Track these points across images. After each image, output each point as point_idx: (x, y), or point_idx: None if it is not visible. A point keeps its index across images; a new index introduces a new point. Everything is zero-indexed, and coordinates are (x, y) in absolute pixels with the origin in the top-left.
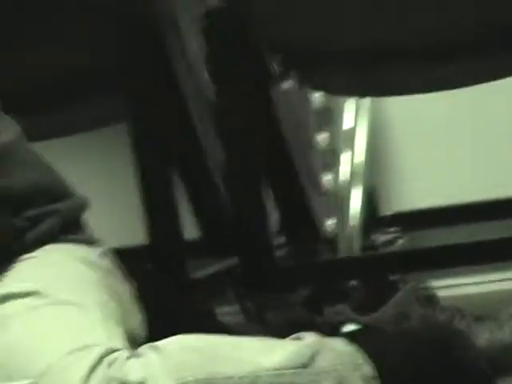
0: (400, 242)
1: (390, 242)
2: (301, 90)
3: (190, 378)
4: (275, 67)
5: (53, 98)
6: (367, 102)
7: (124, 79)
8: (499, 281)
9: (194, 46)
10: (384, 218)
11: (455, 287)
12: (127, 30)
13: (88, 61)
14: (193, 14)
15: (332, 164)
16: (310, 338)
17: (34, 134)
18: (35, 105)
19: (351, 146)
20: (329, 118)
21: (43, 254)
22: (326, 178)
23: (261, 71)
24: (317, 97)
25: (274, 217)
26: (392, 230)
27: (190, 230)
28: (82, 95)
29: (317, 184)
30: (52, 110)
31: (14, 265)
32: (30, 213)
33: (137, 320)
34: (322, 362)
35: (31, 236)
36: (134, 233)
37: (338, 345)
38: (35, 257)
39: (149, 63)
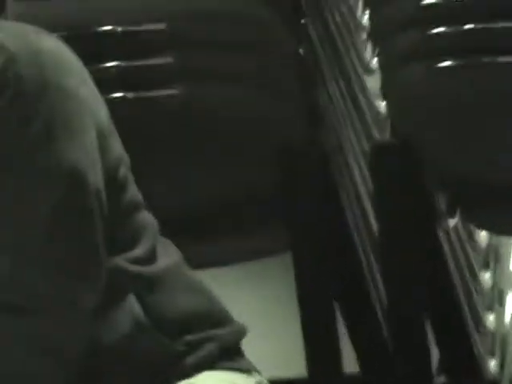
0: None
1: None
2: (465, 227)
3: None
4: (441, 203)
5: (213, 225)
6: None
7: (286, 208)
8: None
9: (359, 178)
10: None
11: None
12: (290, 158)
13: (249, 188)
14: (359, 146)
15: (496, 304)
16: None
17: (195, 260)
18: (197, 231)
19: None
20: (494, 257)
21: (201, 381)
22: (489, 318)
23: (427, 208)
24: (482, 235)
25: (433, 354)
26: None
27: (349, 363)
28: (243, 223)
29: (479, 323)
30: (214, 238)
31: None
32: (190, 338)
33: None
34: None
35: (190, 361)
36: (291, 363)
37: None
38: (193, 383)
39: (312, 193)
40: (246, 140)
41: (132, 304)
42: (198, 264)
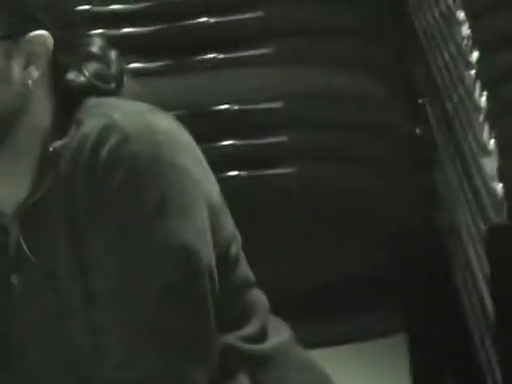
0: None
1: None
2: None
3: None
4: None
5: (327, 305)
6: None
7: (401, 289)
8: None
9: (475, 260)
10: None
11: None
12: (406, 239)
13: (364, 269)
14: (475, 227)
15: None
16: None
17: (308, 339)
18: (310, 311)
19: None
20: None
21: None
22: None
23: None
24: None
25: None
26: None
27: None
28: (357, 304)
29: None
30: (327, 318)
31: None
32: None
33: None
34: None
35: None
36: None
37: None
38: None
39: (427, 274)
40: (362, 220)
41: (244, 382)
42: (312, 343)
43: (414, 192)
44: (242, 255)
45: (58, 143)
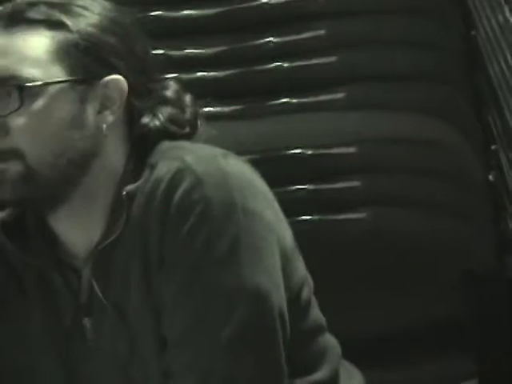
0: None
1: None
2: None
3: None
4: None
5: (395, 351)
6: None
7: (472, 336)
8: None
9: None
10: None
11: None
12: (478, 285)
13: (435, 315)
14: None
15: None
16: None
17: None
18: (380, 357)
19: None
20: None
21: None
22: None
23: None
24: None
25: None
26: None
27: None
28: (426, 350)
29: None
30: (397, 364)
31: None
32: None
33: None
34: None
35: None
36: None
37: None
38: None
39: (499, 320)
40: (434, 265)
41: None
42: None
43: (486, 237)
44: (314, 299)
45: (131, 186)
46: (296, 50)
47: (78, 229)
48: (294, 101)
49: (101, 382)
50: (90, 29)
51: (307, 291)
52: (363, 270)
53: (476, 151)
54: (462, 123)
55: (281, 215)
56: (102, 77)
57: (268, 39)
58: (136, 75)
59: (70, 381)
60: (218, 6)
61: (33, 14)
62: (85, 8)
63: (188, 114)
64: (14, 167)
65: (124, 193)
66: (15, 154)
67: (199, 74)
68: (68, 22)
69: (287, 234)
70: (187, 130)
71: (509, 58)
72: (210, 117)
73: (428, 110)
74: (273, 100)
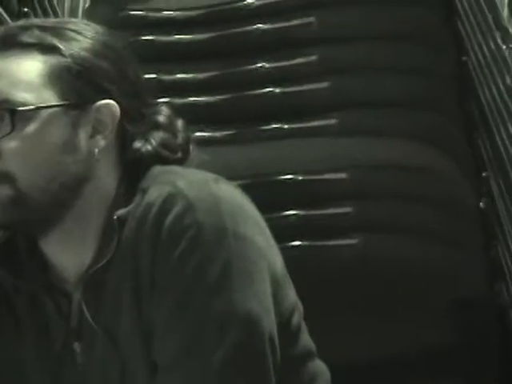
0: None
1: None
2: None
3: None
4: None
5: (385, 378)
6: None
7: (464, 364)
8: None
9: None
10: None
11: None
12: (468, 312)
13: (425, 343)
14: None
15: None
16: None
17: None
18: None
19: None
20: None
21: None
22: None
23: None
24: None
25: None
26: None
27: None
28: (419, 378)
29: None
30: None
31: None
32: None
33: None
34: None
35: None
36: None
37: None
38: None
39: (490, 348)
40: (423, 294)
41: None
42: None
43: (477, 264)
44: (304, 325)
45: (122, 211)
46: (288, 75)
47: (69, 252)
48: (286, 126)
49: None
50: (82, 53)
51: (297, 317)
52: (354, 296)
53: (467, 178)
54: (453, 149)
55: (271, 241)
56: (95, 101)
57: (260, 64)
58: (128, 100)
59: None
60: (210, 31)
61: (26, 38)
62: (77, 32)
63: (180, 138)
64: (3, 191)
65: (115, 217)
66: (6, 178)
67: (191, 98)
68: (61, 46)
69: (278, 260)
70: (179, 154)
71: (500, 84)
72: (202, 142)
73: (419, 136)
74: (264, 125)
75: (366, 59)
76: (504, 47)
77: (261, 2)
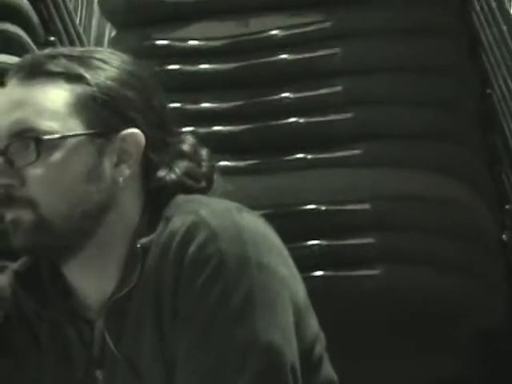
0: None
1: None
2: None
3: None
4: None
5: None
6: None
7: None
8: None
9: None
10: None
11: None
12: (492, 343)
13: (451, 374)
14: None
15: None
16: None
17: None
18: None
19: None
20: None
21: None
22: None
23: None
24: None
25: None
26: None
27: None
28: None
29: None
30: None
31: None
32: None
33: None
34: None
35: None
36: None
37: None
38: None
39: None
40: (446, 323)
41: None
42: None
43: (498, 297)
44: (326, 355)
45: (145, 239)
46: (312, 106)
47: (92, 280)
48: (310, 157)
49: None
50: (108, 82)
51: (320, 347)
52: (375, 326)
53: (490, 210)
54: (475, 182)
55: (294, 270)
56: (120, 130)
57: (284, 95)
58: (153, 129)
59: None
60: (235, 60)
61: (52, 67)
62: (103, 61)
63: (204, 168)
64: (26, 215)
65: (138, 245)
66: (29, 203)
67: (215, 128)
68: (87, 75)
69: (300, 290)
70: (203, 184)
71: None
72: (226, 171)
73: (442, 168)
74: (288, 155)
75: (390, 91)
76: None
77: (285, 33)
